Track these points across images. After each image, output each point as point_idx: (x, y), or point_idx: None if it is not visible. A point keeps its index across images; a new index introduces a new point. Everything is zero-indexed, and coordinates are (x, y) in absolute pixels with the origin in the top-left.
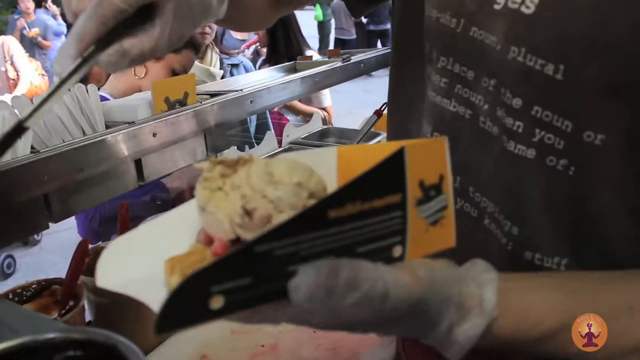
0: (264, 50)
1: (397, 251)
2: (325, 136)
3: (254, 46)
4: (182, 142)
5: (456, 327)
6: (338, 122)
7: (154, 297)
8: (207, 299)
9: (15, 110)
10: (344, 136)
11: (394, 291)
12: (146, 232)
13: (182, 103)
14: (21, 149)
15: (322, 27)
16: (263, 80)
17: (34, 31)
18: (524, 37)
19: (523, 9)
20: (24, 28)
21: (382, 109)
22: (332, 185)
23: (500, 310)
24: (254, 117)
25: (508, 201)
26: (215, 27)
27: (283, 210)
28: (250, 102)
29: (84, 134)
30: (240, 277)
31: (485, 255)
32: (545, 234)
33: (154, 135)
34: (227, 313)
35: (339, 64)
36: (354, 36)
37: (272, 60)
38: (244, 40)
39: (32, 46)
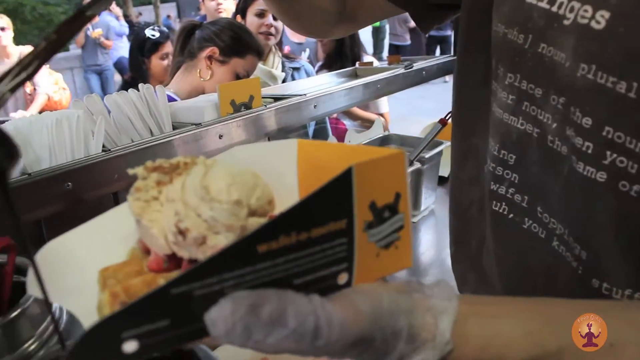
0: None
1: (342, 278)
2: (386, 142)
3: (308, 50)
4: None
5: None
6: (392, 128)
7: (87, 312)
8: (119, 344)
9: (90, 109)
10: (405, 143)
11: (326, 329)
12: (84, 234)
13: (247, 106)
14: (93, 147)
15: (377, 32)
16: (324, 85)
17: (97, 32)
18: (594, 53)
19: (593, 24)
20: (88, 29)
21: (447, 117)
22: (291, 177)
23: (458, 340)
24: (313, 122)
25: (577, 224)
26: (280, 28)
27: (219, 231)
28: (314, 107)
29: (152, 134)
30: (156, 321)
31: (554, 279)
32: (615, 262)
33: (220, 137)
34: (144, 355)
35: (401, 70)
36: (408, 42)
37: (328, 64)
38: (300, 44)
39: (95, 46)
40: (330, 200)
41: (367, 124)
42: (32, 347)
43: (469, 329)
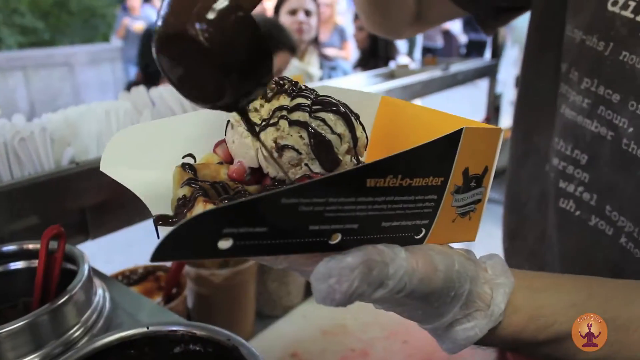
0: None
1: (419, 233)
2: None
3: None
4: None
5: (457, 324)
6: None
7: (157, 202)
8: (217, 239)
9: (136, 101)
10: None
11: (409, 284)
12: (165, 126)
13: None
14: None
15: None
16: (362, 86)
17: (139, 25)
18: None
19: None
20: (130, 22)
21: (485, 121)
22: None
23: (509, 310)
24: None
25: None
26: (314, 26)
27: (314, 157)
28: None
29: None
30: (258, 225)
31: (620, 274)
32: None
33: None
34: (230, 255)
35: (439, 73)
36: (440, 44)
37: (363, 62)
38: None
39: (136, 39)
40: (437, 155)
41: None
42: (77, 333)
43: (519, 300)
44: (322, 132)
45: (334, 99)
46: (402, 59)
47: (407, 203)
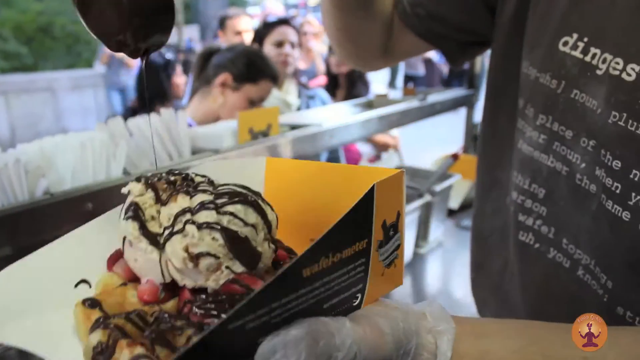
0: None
1: (356, 299)
2: None
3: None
4: None
5: None
6: (404, 157)
7: (62, 353)
8: None
9: (113, 131)
10: (417, 175)
11: (360, 354)
12: (45, 256)
13: (265, 134)
14: (114, 170)
15: None
16: (340, 115)
17: None
18: (625, 103)
19: (624, 76)
20: None
21: (458, 152)
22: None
23: (454, 358)
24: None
25: (603, 255)
26: (296, 57)
27: (233, 257)
28: (330, 137)
29: (171, 158)
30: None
31: (580, 305)
32: (637, 294)
33: None
34: None
35: (416, 103)
36: (422, 72)
37: (336, 93)
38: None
39: (120, 65)
40: (357, 220)
41: (380, 147)
42: None
43: (464, 347)
44: (235, 227)
45: (233, 185)
46: (380, 88)
47: (341, 277)
